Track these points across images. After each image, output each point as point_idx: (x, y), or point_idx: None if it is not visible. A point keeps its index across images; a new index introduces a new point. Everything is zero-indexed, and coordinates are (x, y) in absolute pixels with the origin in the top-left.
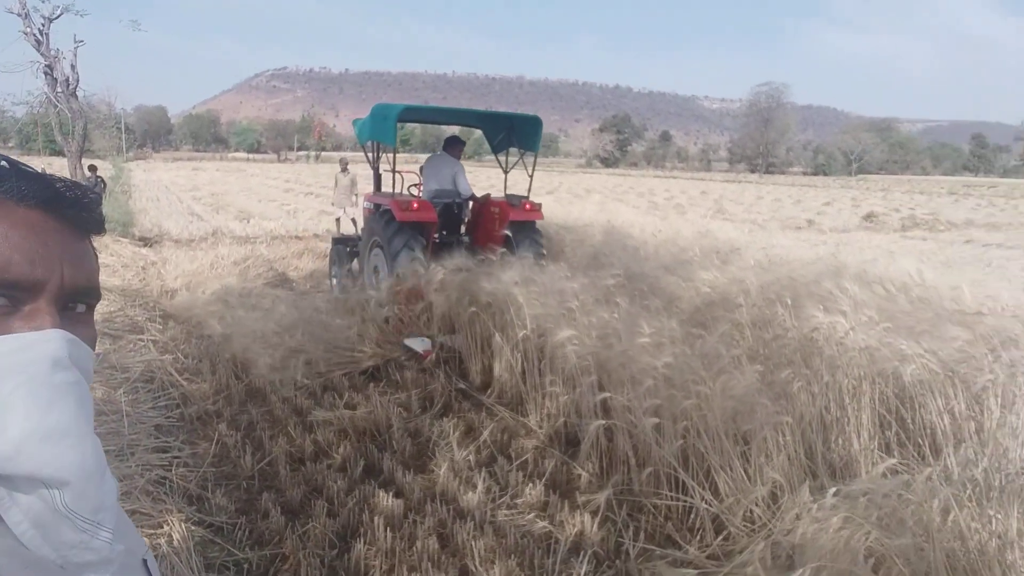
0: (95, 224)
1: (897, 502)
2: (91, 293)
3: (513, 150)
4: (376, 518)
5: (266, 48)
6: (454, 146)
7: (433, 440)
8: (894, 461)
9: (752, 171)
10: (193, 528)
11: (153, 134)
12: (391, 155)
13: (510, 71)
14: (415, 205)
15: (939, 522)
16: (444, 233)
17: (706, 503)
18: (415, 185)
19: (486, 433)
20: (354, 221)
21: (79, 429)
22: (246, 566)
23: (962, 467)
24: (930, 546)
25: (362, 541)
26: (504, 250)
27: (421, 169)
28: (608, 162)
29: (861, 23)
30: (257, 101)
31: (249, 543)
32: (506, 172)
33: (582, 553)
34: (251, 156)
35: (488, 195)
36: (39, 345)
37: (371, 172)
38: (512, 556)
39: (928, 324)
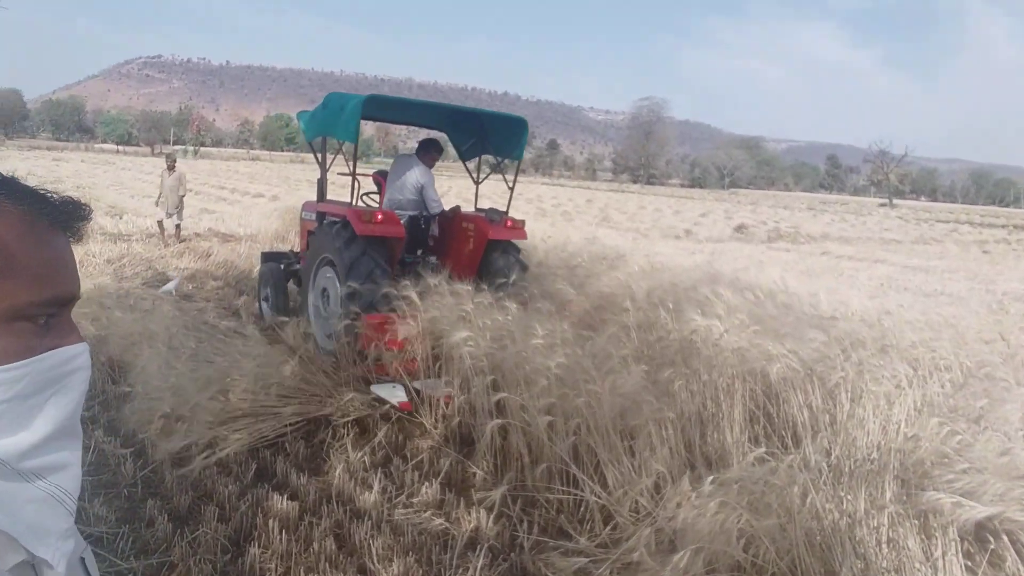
0: (82, 234)
1: (764, 488)
2: None
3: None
4: (271, 521)
5: (138, 33)
6: (428, 151)
7: (327, 442)
8: (762, 451)
9: (634, 181)
10: None
11: (5, 120)
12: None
13: (399, 72)
14: (379, 216)
15: (799, 504)
16: (405, 253)
17: (596, 495)
18: (369, 194)
19: (381, 434)
20: (178, 228)
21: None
22: None
23: (818, 455)
24: (792, 526)
25: (256, 545)
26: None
27: (378, 176)
28: (497, 168)
29: (733, 46)
30: (128, 90)
31: (133, 552)
32: (478, 183)
33: (478, 548)
34: (121, 148)
35: (457, 208)
36: (80, 358)
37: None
38: (410, 553)
39: (791, 327)
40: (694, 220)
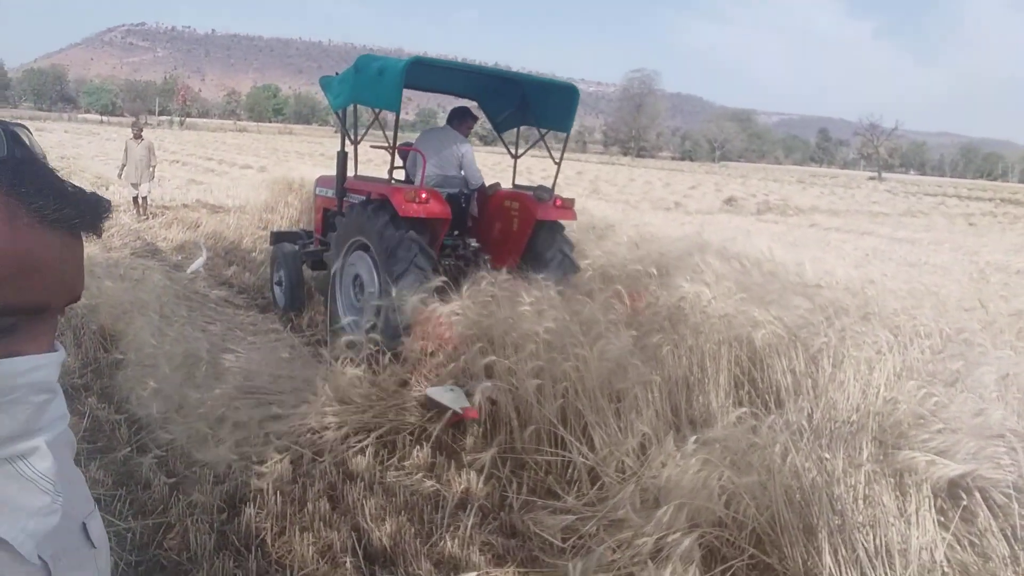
0: (98, 231)
1: (746, 447)
2: None
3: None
4: (265, 483)
5: (120, 0)
6: (463, 120)
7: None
8: (744, 410)
9: (625, 154)
10: None
11: None
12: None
13: (388, 43)
14: (424, 195)
15: (780, 463)
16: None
17: (583, 457)
18: (399, 168)
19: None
20: (145, 200)
21: None
22: (129, 535)
23: (799, 417)
24: (772, 483)
25: (252, 505)
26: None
27: (399, 149)
28: (487, 140)
29: (727, 15)
30: (111, 59)
31: (131, 513)
32: (516, 157)
33: (468, 507)
34: (105, 118)
35: (498, 184)
36: (33, 373)
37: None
38: (402, 513)
39: (776, 294)
40: (684, 192)
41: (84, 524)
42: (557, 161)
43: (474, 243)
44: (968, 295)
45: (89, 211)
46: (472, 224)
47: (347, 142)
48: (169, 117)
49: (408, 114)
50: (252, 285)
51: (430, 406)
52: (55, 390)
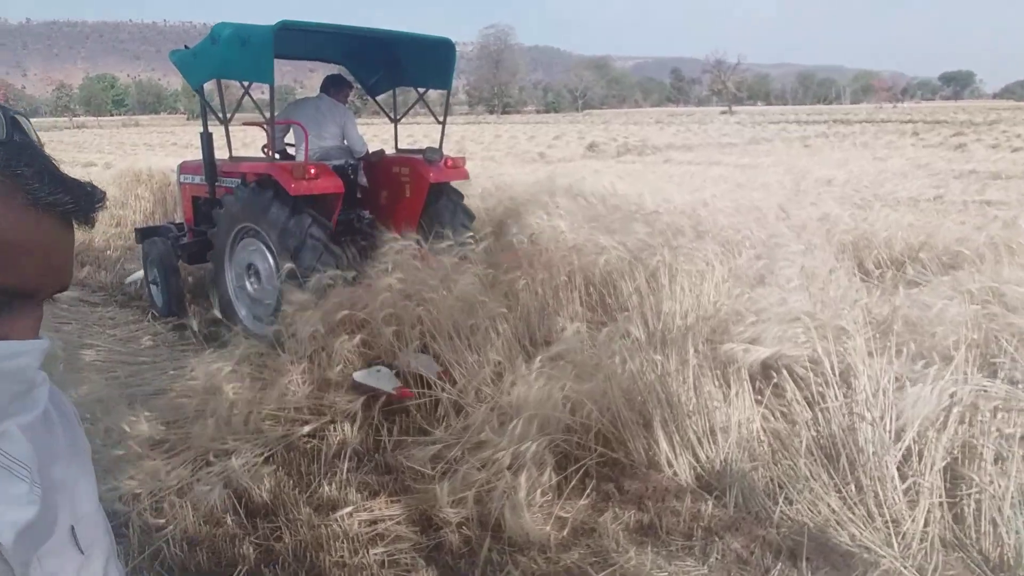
0: (91, 220)
1: (588, 358)
2: None
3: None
4: (136, 462)
5: None
6: (340, 87)
7: (174, 376)
8: (580, 324)
9: (491, 112)
10: None
11: None
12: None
13: (228, 16)
14: (313, 170)
15: (619, 370)
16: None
17: (446, 392)
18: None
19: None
20: None
21: None
22: None
23: (636, 327)
24: (611, 388)
25: (123, 476)
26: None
27: (274, 124)
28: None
29: None
30: None
31: None
32: (396, 121)
33: (343, 453)
34: None
35: (382, 151)
36: (10, 361)
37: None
38: (280, 469)
39: (619, 224)
40: (548, 143)
41: (72, 527)
42: (441, 120)
43: (367, 215)
44: (785, 207)
45: (84, 199)
46: (362, 196)
47: (212, 122)
48: None
49: (263, 93)
50: (109, 283)
51: (358, 391)
52: (34, 381)
